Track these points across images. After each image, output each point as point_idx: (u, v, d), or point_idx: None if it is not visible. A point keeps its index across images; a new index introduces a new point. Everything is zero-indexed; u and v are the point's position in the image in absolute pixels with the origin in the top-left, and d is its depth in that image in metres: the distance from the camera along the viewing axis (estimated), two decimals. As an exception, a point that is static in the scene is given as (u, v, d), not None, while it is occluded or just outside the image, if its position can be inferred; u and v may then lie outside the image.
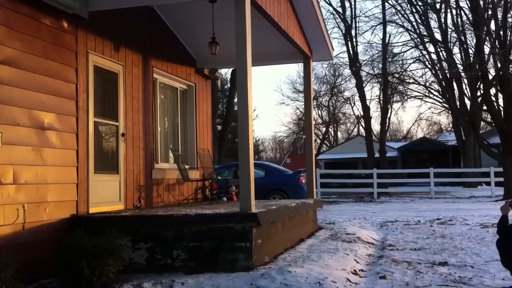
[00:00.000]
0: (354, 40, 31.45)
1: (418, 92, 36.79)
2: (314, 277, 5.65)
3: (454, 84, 29.14)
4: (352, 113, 53.36)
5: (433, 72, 31.23)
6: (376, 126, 43.81)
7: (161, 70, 9.41)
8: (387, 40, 31.95)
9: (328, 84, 42.84)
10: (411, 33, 30.48)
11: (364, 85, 33.55)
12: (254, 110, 53.22)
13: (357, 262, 6.98)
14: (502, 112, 21.68)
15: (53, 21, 6.52)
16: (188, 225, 6.42)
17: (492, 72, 23.56)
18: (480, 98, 24.93)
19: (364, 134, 37.05)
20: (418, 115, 59.30)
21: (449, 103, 30.15)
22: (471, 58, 23.91)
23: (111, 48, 7.85)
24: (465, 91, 28.80)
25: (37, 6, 6.21)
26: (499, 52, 20.18)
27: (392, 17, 31.39)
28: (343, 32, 31.95)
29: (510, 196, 18.88)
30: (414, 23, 29.32)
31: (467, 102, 28.27)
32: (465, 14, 25.05)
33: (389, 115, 41.96)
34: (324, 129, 48.46)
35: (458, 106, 29.06)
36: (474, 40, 23.72)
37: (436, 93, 35.55)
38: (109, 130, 7.87)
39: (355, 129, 57.58)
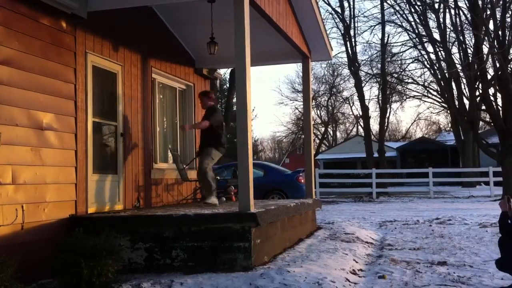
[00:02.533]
0: (353, 40, 31.51)
1: (417, 92, 36.94)
2: (313, 277, 5.65)
3: (453, 83, 29.21)
4: (351, 113, 53.44)
5: (432, 72, 31.33)
6: (375, 126, 43.87)
7: (160, 70, 9.41)
8: (386, 40, 32.01)
9: (327, 84, 42.86)
10: (410, 33, 30.58)
11: (363, 85, 33.64)
12: (253, 110, 53.11)
13: (356, 262, 6.98)
14: (501, 112, 21.69)
15: (52, 21, 6.51)
16: (187, 225, 6.41)
17: (490, 71, 23.61)
18: (479, 98, 24.96)
19: (363, 134, 37.08)
20: (417, 115, 59.36)
21: (448, 102, 30.23)
22: (470, 58, 23.95)
23: (110, 48, 7.84)
24: (464, 91, 28.86)
25: (36, 6, 6.21)
26: (498, 51, 20.21)
27: (391, 17, 31.49)
28: (342, 32, 32.01)
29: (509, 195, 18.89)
30: (413, 23, 29.40)
31: (466, 101, 28.34)
32: (464, 14, 25.13)
33: (388, 115, 42.11)
34: (323, 129, 48.46)
35: (457, 106, 29.12)
36: (473, 40, 23.76)
37: (435, 93, 35.66)
38: (108, 130, 7.87)
39: (354, 129, 57.67)
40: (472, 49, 24.51)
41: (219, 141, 8.47)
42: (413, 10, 28.60)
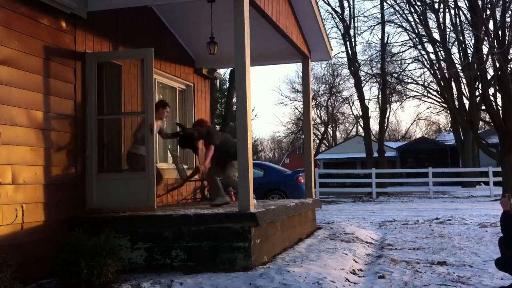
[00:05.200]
0: (352, 40, 31.52)
1: (416, 92, 36.97)
2: (313, 276, 5.66)
3: (453, 83, 29.22)
4: (350, 113, 53.44)
5: (432, 72, 31.33)
6: (374, 126, 43.87)
7: (159, 70, 9.40)
8: (385, 40, 32.03)
9: (326, 84, 42.86)
10: (409, 33, 30.57)
11: (362, 85, 33.65)
12: (253, 110, 53.23)
13: (356, 262, 6.99)
14: (501, 112, 21.70)
15: (52, 21, 6.51)
16: (186, 225, 6.42)
17: (490, 71, 23.61)
18: (478, 98, 24.97)
19: (362, 134, 37.08)
20: (416, 115, 59.51)
21: (448, 102, 30.22)
22: (470, 58, 23.95)
23: (109, 48, 7.84)
24: (464, 91, 28.88)
25: (36, 6, 6.21)
26: (497, 51, 20.21)
27: (390, 17, 31.52)
28: (342, 32, 32.02)
29: (509, 195, 18.87)
30: (413, 23, 29.40)
31: (466, 101, 28.36)
32: (464, 14, 25.12)
33: (387, 115, 42.12)
34: (322, 129, 48.41)
35: (457, 106, 29.13)
36: (473, 40, 23.77)
37: (435, 93, 35.68)
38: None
39: (354, 129, 57.69)
40: (472, 49, 24.52)
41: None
42: (413, 10, 28.61)
